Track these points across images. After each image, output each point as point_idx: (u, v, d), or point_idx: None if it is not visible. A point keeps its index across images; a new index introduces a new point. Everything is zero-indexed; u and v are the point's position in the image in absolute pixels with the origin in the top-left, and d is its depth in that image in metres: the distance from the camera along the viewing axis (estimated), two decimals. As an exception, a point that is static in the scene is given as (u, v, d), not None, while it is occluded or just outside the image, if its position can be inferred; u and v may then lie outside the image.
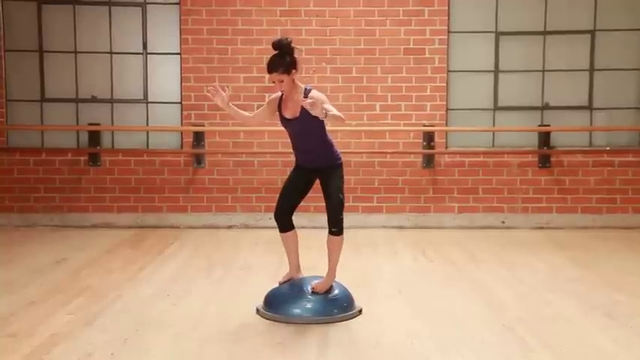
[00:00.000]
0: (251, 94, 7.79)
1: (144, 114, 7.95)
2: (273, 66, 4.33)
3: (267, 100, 4.64)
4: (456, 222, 7.90)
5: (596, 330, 4.24)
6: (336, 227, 4.42)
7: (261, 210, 7.86)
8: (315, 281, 4.54)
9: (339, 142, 7.51)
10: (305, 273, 4.78)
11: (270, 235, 7.48)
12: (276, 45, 4.31)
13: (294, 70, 4.35)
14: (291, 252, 4.65)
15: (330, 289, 4.54)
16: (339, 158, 4.56)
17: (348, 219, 7.77)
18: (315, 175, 4.52)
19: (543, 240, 7.24)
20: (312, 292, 4.47)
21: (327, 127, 4.56)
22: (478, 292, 5.14)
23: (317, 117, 4.24)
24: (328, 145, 4.52)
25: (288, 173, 4.65)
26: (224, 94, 4.47)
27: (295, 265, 4.68)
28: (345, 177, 4.57)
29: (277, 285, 4.67)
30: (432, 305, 4.78)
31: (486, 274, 5.71)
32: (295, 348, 3.93)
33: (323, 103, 4.31)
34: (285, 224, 4.56)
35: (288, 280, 4.64)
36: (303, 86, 4.46)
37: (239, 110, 4.63)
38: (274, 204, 4.61)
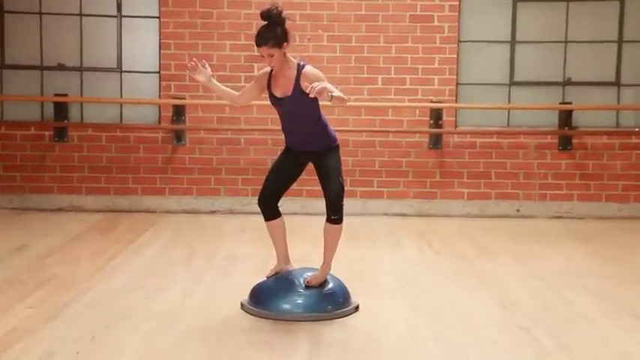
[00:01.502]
0: (238, 63, 7.75)
1: (117, 84, 7.90)
2: (261, 39, 4.27)
3: (256, 74, 4.59)
4: (466, 210, 7.89)
5: (621, 332, 4.24)
6: (336, 215, 4.40)
7: (248, 194, 7.84)
8: (309, 274, 4.52)
9: (335, 120, 7.56)
10: (297, 265, 4.76)
11: (258, 222, 7.41)
12: (265, 15, 4.25)
13: (285, 44, 4.30)
14: (278, 242, 4.63)
15: (324, 283, 4.52)
16: (335, 140, 4.53)
17: (345, 205, 7.79)
18: (307, 159, 4.48)
19: (562, 231, 7.25)
20: (306, 286, 4.45)
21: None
22: (489, 288, 5.13)
23: (311, 95, 4.21)
24: (323, 126, 4.49)
25: (279, 154, 4.61)
26: (206, 69, 4.42)
27: (283, 256, 4.66)
28: (341, 160, 4.53)
29: (265, 279, 4.65)
30: (437, 302, 4.77)
31: (498, 268, 5.70)
32: (284, 348, 3.92)
33: (320, 81, 4.27)
34: (270, 211, 4.54)
35: (277, 274, 4.62)
36: (295, 61, 4.41)
37: (224, 88, 4.59)
38: (263, 184, 4.57)
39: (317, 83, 4.05)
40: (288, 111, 4.42)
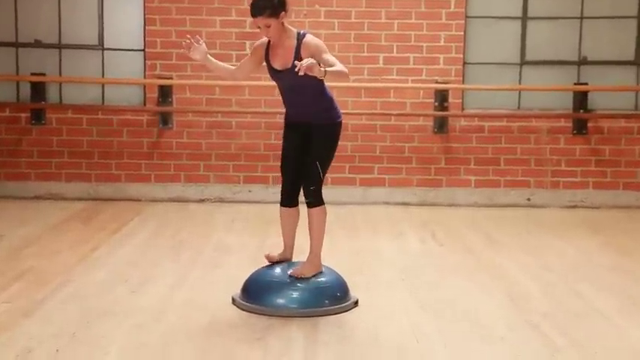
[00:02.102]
0: (229, 41, 7.73)
1: (99, 63, 7.88)
2: (257, 8, 4.27)
3: (251, 48, 4.59)
4: (473, 199, 7.91)
5: (636, 328, 4.27)
6: (309, 198, 4.46)
7: (240, 181, 7.85)
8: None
9: (333, 101, 7.57)
10: (295, 257, 4.78)
11: (250, 211, 7.50)
12: None
13: (283, 13, 4.29)
14: (289, 232, 4.66)
15: (317, 275, 4.53)
16: (339, 116, 4.54)
17: (343, 193, 7.85)
18: (308, 131, 4.49)
19: (576, 221, 7.27)
20: (290, 276, 4.47)
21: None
22: (496, 281, 5.15)
23: (300, 73, 4.21)
24: (328, 101, 4.50)
25: (282, 136, 4.63)
26: (201, 45, 4.42)
27: (290, 246, 4.68)
28: (339, 141, 4.56)
29: (264, 264, 4.66)
30: (441, 296, 4.80)
31: (507, 260, 5.73)
32: (278, 345, 3.94)
33: (321, 53, 4.27)
34: (289, 199, 4.59)
35: (280, 262, 4.62)
36: (295, 30, 4.40)
37: (220, 63, 4.60)
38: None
39: (306, 60, 4.04)
40: (289, 84, 4.41)
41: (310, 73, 4.03)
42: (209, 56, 4.48)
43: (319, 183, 4.46)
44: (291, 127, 4.56)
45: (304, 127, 4.49)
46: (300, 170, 4.53)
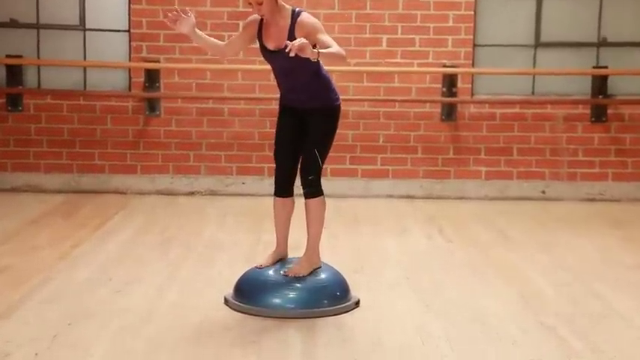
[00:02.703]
0: (220, 21, 7.72)
1: (80, 45, 7.87)
2: None
3: (242, 25, 4.60)
4: (483, 191, 7.92)
5: (659, 330, 4.28)
6: (306, 188, 4.47)
7: (232, 172, 7.85)
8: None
9: (333, 86, 7.56)
10: (291, 253, 4.79)
11: (244, 205, 7.50)
12: None
13: (275, -12, 4.32)
14: (282, 225, 4.66)
15: (313, 273, 4.53)
16: (337, 99, 4.56)
17: (343, 185, 7.85)
18: (305, 116, 4.50)
19: (594, 215, 7.28)
20: (284, 275, 4.48)
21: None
22: (509, 280, 5.17)
23: (291, 54, 4.23)
24: (325, 82, 4.51)
25: (277, 119, 4.65)
26: (189, 17, 4.42)
27: (284, 241, 4.68)
28: (337, 128, 4.58)
29: (254, 268, 4.67)
30: (448, 296, 4.81)
31: (520, 258, 5.74)
32: (274, 348, 3.95)
33: (317, 33, 4.27)
34: (284, 188, 4.60)
35: (276, 263, 4.63)
36: (290, 8, 4.41)
37: (209, 38, 4.62)
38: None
39: (298, 40, 4.04)
40: (283, 65, 4.43)
41: (302, 55, 4.03)
42: (197, 30, 4.49)
43: (318, 172, 4.48)
44: (287, 110, 4.57)
45: (300, 112, 4.50)
46: (295, 157, 4.55)
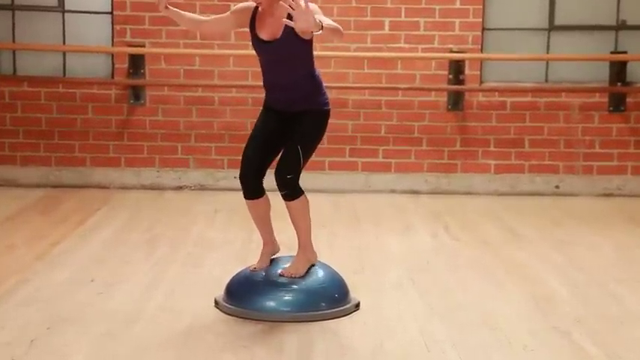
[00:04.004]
0: (211, 3, 7.70)
1: (59, 28, 7.86)
2: None
3: (232, 8, 4.60)
4: (492, 186, 7.92)
5: (680, 335, 4.29)
6: (284, 189, 4.43)
7: (223, 165, 7.85)
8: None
9: (330, 74, 7.56)
10: (285, 253, 4.79)
11: (236, 200, 7.44)
12: None
13: (275, -26, 4.34)
14: (263, 224, 4.66)
15: (311, 273, 4.54)
16: (327, 104, 4.56)
17: (343, 180, 7.86)
18: (291, 120, 4.50)
19: (612, 212, 7.29)
20: (281, 276, 4.50)
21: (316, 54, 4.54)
22: (520, 282, 5.18)
23: (304, 39, 4.26)
24: (317, 84, 4.53)
25: (256, 120, 4.65)
26: None
27: (270, 240, 4.68)
28: (324, 133, 4.57)
29: (247, 270, 4.68)
30: (455, 299, 4.82)
31: (532, 258, 5.75)
32: (267, 354, 3.95)
33: (315, 14, 4.29)
34: (252, 189, 4.55)
35: (268, 265, 4.63)
36: None
37: (185, 13, 4.64)
38: (241, 157, 4.60)
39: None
40: (274, 59, 4.44)
41: (301, 22, 4.02)
42: (170, 7, 4.48)
43: (297, 171, 4.44)
44: (271, 112, 4.57)
45: (286, 115, 4.50)
46: (266, 158, 4.51)
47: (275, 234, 4.76)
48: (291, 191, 4.45)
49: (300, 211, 4.52)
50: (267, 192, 4.60)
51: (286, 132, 4.51)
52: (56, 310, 4.44)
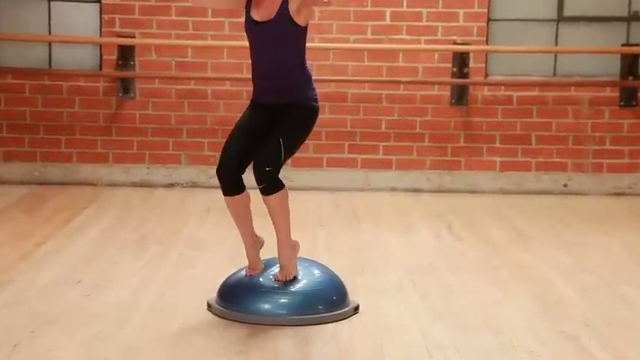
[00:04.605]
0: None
1: (44, 17, 7.85)
2: None
3: None
4: (498, 184, 7.93)
5: (693, 341, 4.30)
6: (262, 183, 4.41)
7: (216, 162, 7.82)
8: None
9: (330, 66, 7.57)
10: (272, 254, 4.78)
11: (229, 199, 7.49)
12: None
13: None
14: (243, 222, 4.63)
15: (308, 275, 4.54)
16: (316, 100, 4.57)
17: (341, 177, 7.84)
18: (277, 116, 4.50)
19: (623, 211, 7.30)
20: (276, 280, 4.50)
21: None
22: (526, 285, 5.18)
23: (298, 23, 4.31)
24: (306, 78, 4.55)
25: (242, 114, 4.64)
26: None
27: (251, 238, 4.65)
28: (310, 131, 4.56)
29: (244, 263, 4.69)
30: (458, 302, 4.83)
31: (538, 259, 5.75)
32: (262, 359, 3.95)
33: None
34: (231, 184, 4.54)
35: (261, 269, 4.63)
36: None
37: None
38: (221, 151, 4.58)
39: None
40: (265, 42, 4.46)
41: None
42: None
43: (278, 164, 4.41)
44: (257, 107, 4.57)
45: (273, 109, 4.50)
46: (247, 152, 4.48)
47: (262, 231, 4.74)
48: (270, 185, 4.42)
49: (279, 207, 4.49)
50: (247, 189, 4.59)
51: (271, 127, 4.49)
52: (41, 313, 4.43)
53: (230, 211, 4.65)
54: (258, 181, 4.41)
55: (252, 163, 4.46)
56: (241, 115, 4.64)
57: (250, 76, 4.64)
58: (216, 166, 4.57)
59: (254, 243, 4.68)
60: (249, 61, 4.60)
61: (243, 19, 4.56)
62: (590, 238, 6.35)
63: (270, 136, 4.47)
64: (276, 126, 4.48)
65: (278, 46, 4.43)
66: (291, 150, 4.48)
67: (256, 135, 4.52)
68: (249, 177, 4.49)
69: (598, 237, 6.40)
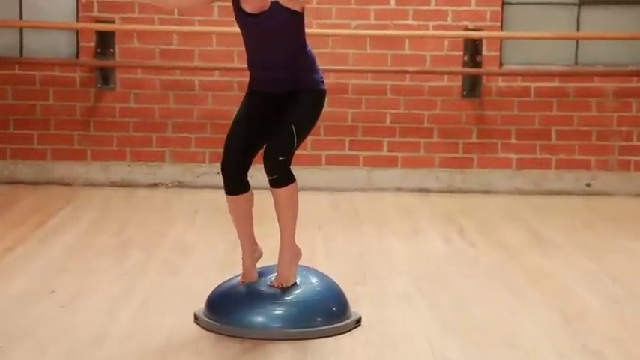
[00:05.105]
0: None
1: (15, 0, 7.83)
2: None
3: None
4: (514, 184, 7.92)
5: None
6: (274, 174, 4.43)
7: (205, 159, 7.84)
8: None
9: (327, 55, 7.56)
10: (270, 260, 4.77)
11: (219, 199, 7.41)
12: None
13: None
14: (244, 225, 4.64)
15: (306, 283, 4.54)
16: (322, 83, 4.58)
17: (342, 176, 7.84)
18: (281, 102, 4.50)
19: (651, 214, 7.30)
20: (270, 286, 4.50)
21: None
22: (545, 293, 5.17)
23: (294, 11, 4.32)
24: (309, 62, 4.57)
25: (240, 105, 4.64)
26: None
27: (250, 244, 4.65)
28: (318, 120, 4.57)
29: (236, 271, 4.68)
30: (471, 313, 4.82)
31: (559, 266, 5.75)
32: (255, 377, 3.95)
33: None
34: (237, 181, 4.55)
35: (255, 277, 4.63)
36: None
37: None
38: (223, 146, 4.58)
39: None
40: (261, 34, 4.46)
41: None
42: None
43: (290, 154, 4.44)
44: (257, 95, 4.58)
45: (276, 98, 4.51)
46: (251, 146, 4.50)
47: (259, 238, 4.74)
48: (282, 176, 4.44)
49: (289, 201, 4.50)
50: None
51: (275, 116, 4.50)
52: (10, 326, 4.42)
53: (231, 213, 4.67)
54: (269, 172, 4.44)
55: (257, 156, 4.49)
56: (240, 105, 4.62)
57: (243, 65, 4.64)
58: (220, 163, 4.56)
59: (253, 251, 4.68)
60: (241, 49, 4.60)
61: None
62: (616, 243, 6.34)
63: (277, 124, 4.47)
64: (282, 114, 4.49)
65: (275, 38, 4.43)
66: (302, 137, 4.51)
67: (259, 126, 4.53)
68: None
69: (625, 241, 6.39)
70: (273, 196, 4.50)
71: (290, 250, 4.56)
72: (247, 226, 4.67)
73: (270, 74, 4.52)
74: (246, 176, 4.57)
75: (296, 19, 4.42)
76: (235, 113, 4.63)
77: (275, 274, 4.57)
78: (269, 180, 4.45)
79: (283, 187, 4.45)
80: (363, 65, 7.80)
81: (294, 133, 4.44)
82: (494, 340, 4.41)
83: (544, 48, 7.93)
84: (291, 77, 4.50)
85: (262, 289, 4.53)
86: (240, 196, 4.58)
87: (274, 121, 4.51)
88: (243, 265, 4.66)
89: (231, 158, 4.53)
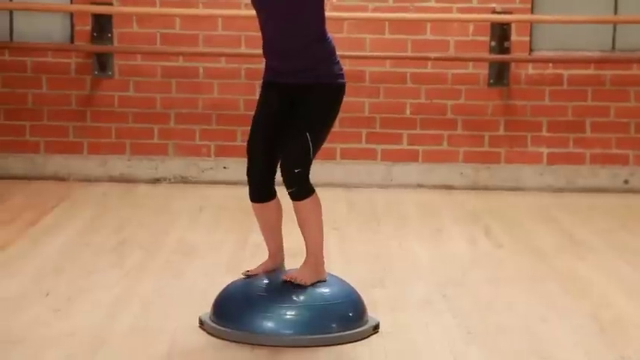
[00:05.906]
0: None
1: (7, -19, 7.88)
2: None
3: None
4: (545, 180, 7.92)
5: None
6: (293, 186, 4.44)
7: (210, 153, 7.85)
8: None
9: (343, 40, 7.55)
10: (291, 263, 4.79)
11: (224, 195, 7.49)
12: None
13: None
14: (272, 232, 4.65)
15: (318, 285, 4.55)
16: (341, 76, 4.58)
17: (358, 171, 7.85)
18: (296, 95, 4.51)
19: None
20: (285, 281, 4.51)
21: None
22: (578, 299, 5.17)
23: None
24: (329, 51, 4.55)
25: (258, 99, 4.65)
26: None
27: (276, 252, 4.67)
28: (337, 116, 4.58)
29: (240, 277, 4.68)
30: (497, 320, 4.81)
31: (593, 269, 5.74)
32: (264, 388, 3.97)
33: None
34: (262, 188, 4.58)
35: (265, 272, 4.64)
36: None
37: None
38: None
39: None
40: (278, 16, 4.45)
41: None
42: None
43: (307, 164, 4.45)
44: (273, 87, 4.58)
45: (291, 90, 4.52)
46: (276, 150, 4.53)
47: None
48: (300, 188, 4.46)
49: (311, 213, 4.52)
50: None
51: (292, 110, 4.52)
52: (1, 331, 4.43)
53: (258, 221, 4.69)
54: (287, 185, 4.46)
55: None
56: (258, 103, 4.63)
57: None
58: (247, 169, 4.59)
59: (276, 257, 4.69)
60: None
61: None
62: (655, 245, 6.35)
63: (290, 125, 4.48)
64: (295, 113, 4.49)
65: (293, 21, 4.43)
66: (319, 142, 4.51)
67: (279, 124, 4.54)
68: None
69: (665, 243, 6.40)
70: (294, 209, 4.52)
71: (313, 267, 4.55)
72: (274, 234, 4.67)
73: (287, 63, 4.52)
74: (273, 183, 4.58)
75: (316, 1, 4.42)
76: (255, 111, 4.63)
77: (292, 271, 4.58)
78: (288, 192, 4.47)
79: (303, 199, 4.48)
80: (381, 51, 7.80)
81: (309, 141, 4.44)
82: (524, 350, 4.41)
83: (578, 32, 7.92)
84: (308, 68, 4.49)
85: (272, 293, 4.53)
86: (265, 204, 4.60)
87: (292, 116, 4.52)
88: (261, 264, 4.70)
89: (256, 164, 4.56)
